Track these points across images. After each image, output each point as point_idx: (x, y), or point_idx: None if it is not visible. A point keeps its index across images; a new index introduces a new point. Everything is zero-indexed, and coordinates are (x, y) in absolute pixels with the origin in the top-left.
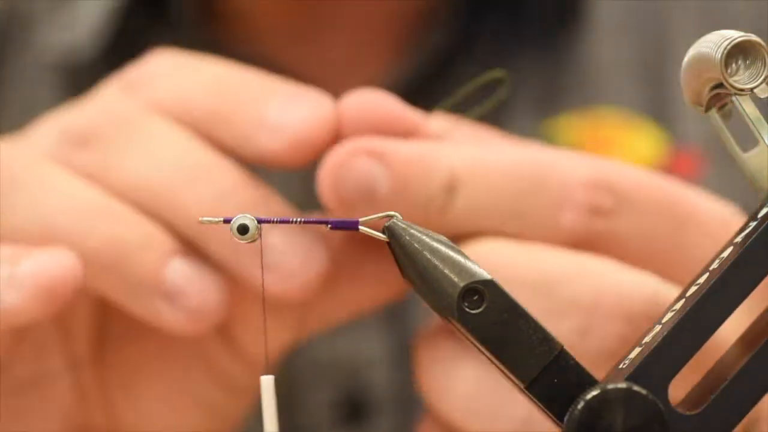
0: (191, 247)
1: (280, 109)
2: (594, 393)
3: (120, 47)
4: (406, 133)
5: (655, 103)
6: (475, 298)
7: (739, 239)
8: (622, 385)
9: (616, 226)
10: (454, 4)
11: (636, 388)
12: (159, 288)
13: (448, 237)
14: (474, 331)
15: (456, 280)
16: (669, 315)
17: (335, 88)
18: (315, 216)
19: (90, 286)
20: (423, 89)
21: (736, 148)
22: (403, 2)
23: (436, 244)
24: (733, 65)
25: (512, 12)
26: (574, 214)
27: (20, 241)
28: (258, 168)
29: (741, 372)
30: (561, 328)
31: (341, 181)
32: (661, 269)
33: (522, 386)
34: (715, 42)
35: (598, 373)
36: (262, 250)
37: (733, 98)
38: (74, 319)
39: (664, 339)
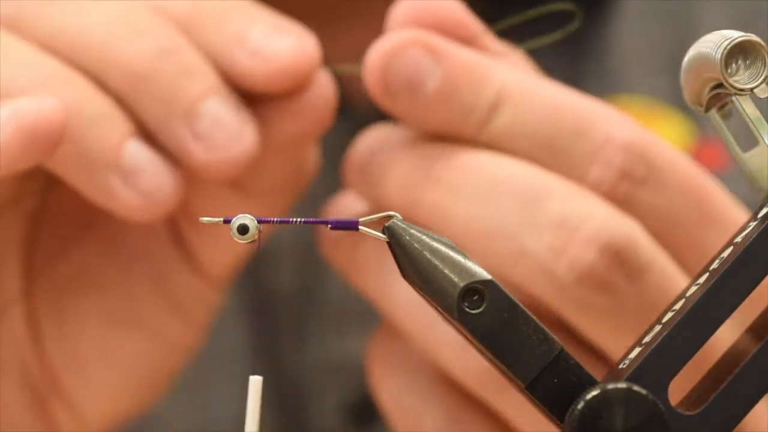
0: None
1: (264, 33)
2: (594, 393)
3: None
4: (464, 39)
5: (681, 93)
6: (475, 298)
7: (739, 239)
8: (622, 385)
9: (639, 197)
10: None
11: (636, 388)
12: (116, 164)
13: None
14: (474, 331)
15: (456, 280)
16: (669, 315)
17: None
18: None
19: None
20: None
21: (736, 148)
22: None
23: (436, 244)
24: (733, 65)
25: None
26: (604, 171)
27: None
28: None
29: (741, 372)
30: (537, 243)
31: (391, 67)
32: (672, 257)
33: (522, 386)
34: (715, 42)
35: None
36: (259, 249)
37: (733, 98)
38: (4, 240)
39: (664, 339)
